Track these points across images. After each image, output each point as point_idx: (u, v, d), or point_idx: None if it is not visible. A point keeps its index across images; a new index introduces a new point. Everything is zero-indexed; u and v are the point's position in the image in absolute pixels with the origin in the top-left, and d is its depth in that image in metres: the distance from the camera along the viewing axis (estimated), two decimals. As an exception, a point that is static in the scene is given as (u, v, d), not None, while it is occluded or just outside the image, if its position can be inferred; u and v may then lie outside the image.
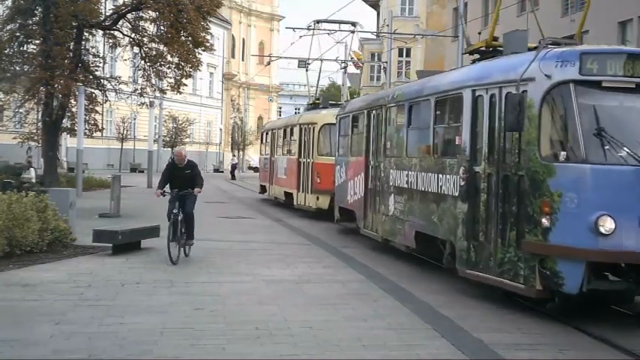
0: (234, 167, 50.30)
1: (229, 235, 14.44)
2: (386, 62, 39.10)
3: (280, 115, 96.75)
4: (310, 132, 19.43)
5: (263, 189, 26.59)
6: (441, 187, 9.52)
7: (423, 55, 43.92)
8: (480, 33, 12.67)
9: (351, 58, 36.71)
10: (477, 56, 10.13)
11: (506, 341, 6.74)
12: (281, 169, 22.63)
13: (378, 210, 12.38)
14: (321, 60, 25.96)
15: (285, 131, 22.86)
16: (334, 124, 17.04)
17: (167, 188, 11.06)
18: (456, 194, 9.04)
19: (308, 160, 19.39)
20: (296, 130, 20.90)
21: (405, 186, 10.96)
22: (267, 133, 27.13)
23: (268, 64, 59.40)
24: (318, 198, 18.47)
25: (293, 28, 34.66)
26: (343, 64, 40.45)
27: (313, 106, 22.60)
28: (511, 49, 8.86)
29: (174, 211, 10.72)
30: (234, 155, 59.14)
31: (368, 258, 11.93)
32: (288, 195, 21.48)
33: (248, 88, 76.74)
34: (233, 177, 47.34)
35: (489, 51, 9.74)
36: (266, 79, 78.70)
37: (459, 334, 6.90)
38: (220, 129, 72.44)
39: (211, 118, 70.59)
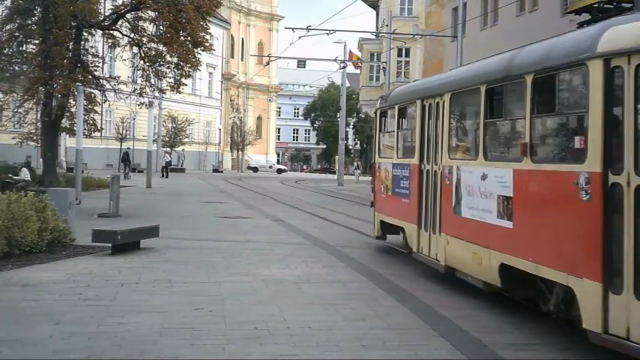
0: (168, 164, 46.05)
1: (229, 235, 14.43)
2: (385, 62, 39.17)
3: (279, 115, 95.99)
4: None
5: (385, 229, 12.63)
6: None
7: (422, 55, 43.93)
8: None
9: (349, 59, 36.76)
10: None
11: (506, 341, 6.73)
12: (470, 199, 8.52)
13: None
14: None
15: (488, 100, 8.17)
16: None
17: None
18: None
19: None
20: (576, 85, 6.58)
21: None
22: (398, 112, 11.95)
23: (267, 64, 59.62)
24: None
25: (292, 29, 34.82)
26: (342, 64, 40.48)
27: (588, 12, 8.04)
28: None
29: None
30: (166, 152, 52.00)
31: (368, 258, 11.92)
32: (515, 276, 7.47)
33: (247, 88, 76.86)
34: (164, 175, 43.45)
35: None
36: (265, 79, 78.89)
37: (458, 334, 6.89)
38: (219, 129, 72.53)
39: (210, 118, 70.69)
